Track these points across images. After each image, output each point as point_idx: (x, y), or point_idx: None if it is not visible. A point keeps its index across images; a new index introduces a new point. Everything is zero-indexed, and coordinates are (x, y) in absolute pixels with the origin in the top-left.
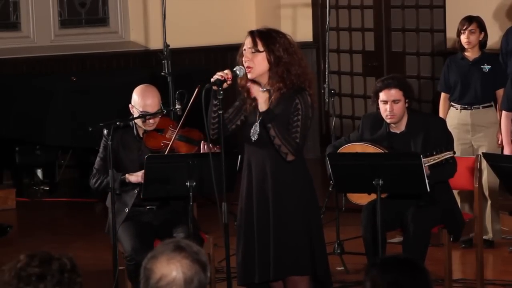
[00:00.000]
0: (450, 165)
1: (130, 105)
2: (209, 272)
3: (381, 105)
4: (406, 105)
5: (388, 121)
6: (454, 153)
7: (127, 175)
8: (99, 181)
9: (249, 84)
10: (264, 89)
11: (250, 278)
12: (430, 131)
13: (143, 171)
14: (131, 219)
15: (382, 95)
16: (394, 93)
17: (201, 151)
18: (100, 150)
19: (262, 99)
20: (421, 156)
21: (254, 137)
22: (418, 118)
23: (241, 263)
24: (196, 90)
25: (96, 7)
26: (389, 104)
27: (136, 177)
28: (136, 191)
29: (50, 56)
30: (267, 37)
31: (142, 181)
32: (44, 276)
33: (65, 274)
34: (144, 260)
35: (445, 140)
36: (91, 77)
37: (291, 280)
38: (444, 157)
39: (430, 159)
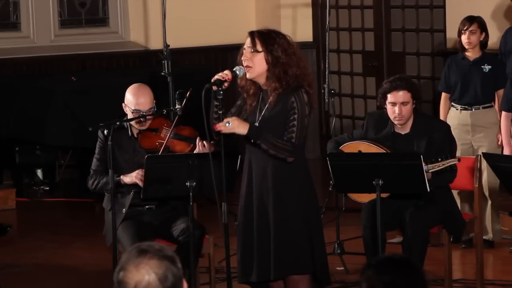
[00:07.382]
0: (452, 172)
1: (123, 104)
2: (179, 263)
3: (389, 107)
4: (413, 106)
5: (396, 123)
6: (459, 160)
7: (121, 177)
8: (95, 182)
9: (217, 125)
10: (229, 123)
11: (248, 277)
12: (434, 135)
13: (137, 171)
14: (130, 219)
15: (390, 97)
16: (403, 95)
17: (197, 148)
18: (96, 151)
19: (236, 129)
20: (421, 156)
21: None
22: (424, 121)
23: (240, 262)
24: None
25: (96, 7)
26: (398, 106)
27: (130, 177)
28: (132, 192)
29: (50, 56)
30: (266, 38)
31: (136, 181)
32: None
33: None
34: (113, 275)
35: (448, 145)
36: (91, 77)
37: (292, 279)
38: (449, 164)
39: (435, 166)
